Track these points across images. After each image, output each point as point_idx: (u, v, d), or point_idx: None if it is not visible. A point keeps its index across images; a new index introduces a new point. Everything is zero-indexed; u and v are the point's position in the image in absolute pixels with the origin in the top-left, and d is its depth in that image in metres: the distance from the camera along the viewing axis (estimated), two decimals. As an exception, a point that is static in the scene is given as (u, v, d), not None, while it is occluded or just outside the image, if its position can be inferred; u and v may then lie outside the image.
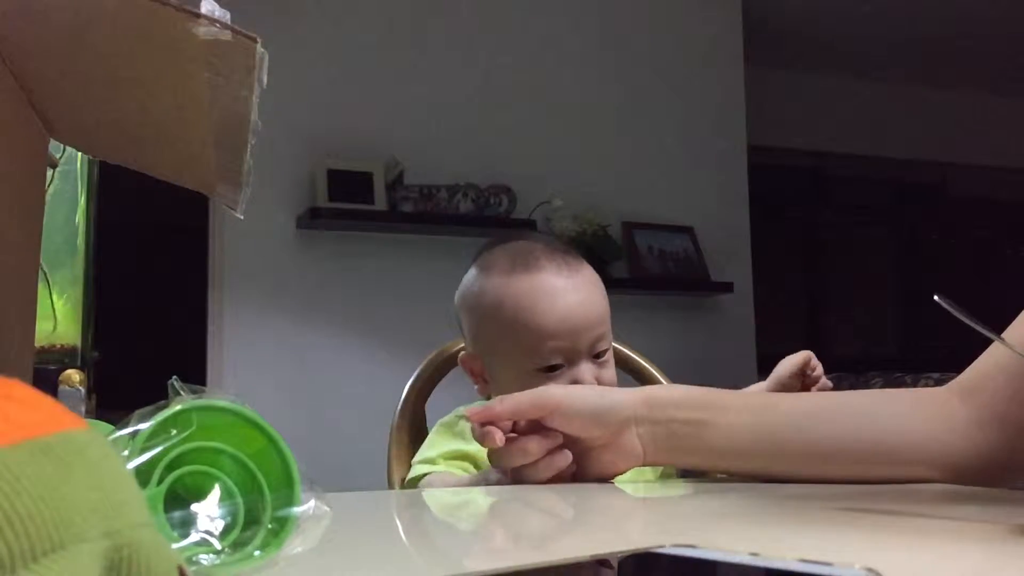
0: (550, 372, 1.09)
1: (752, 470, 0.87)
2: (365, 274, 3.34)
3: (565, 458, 0.84)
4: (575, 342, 1.10)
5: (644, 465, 0.89)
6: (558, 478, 0.84)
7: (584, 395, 0.88)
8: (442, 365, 1.34)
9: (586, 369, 1.10)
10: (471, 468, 1.08)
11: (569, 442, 0.85)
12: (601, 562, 0.43)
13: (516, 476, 0.85)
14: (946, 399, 0.85)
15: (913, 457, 0.83)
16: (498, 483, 0.88)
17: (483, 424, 0.84)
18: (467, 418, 0.88)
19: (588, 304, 1.13)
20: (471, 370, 1.18)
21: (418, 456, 1.12)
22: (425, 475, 1.07)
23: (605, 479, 0.87)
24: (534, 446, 0.83)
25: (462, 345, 1.36)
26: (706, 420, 0.88)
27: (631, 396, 0.88)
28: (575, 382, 1.08)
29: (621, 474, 0.88)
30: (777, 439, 0.85)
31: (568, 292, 1.12)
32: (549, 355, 1.09)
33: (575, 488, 0.83)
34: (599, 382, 1.10)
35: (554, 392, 0.86)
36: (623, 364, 1.36)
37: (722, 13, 4.02)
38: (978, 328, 0.59)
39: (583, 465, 0.86)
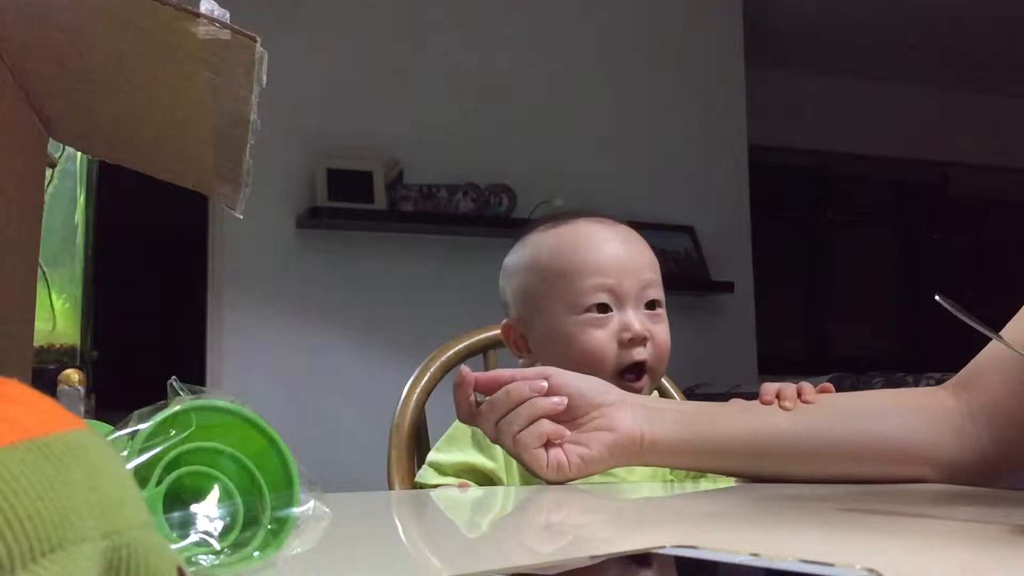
0: (598, 314, 1.03)
1: (748, 470, 0.87)
2: (365, 274, 3.34)
3: (556, 426, 0.83)
4: (620, 280, 1.04)
5: (641, 461, 0.89)
6: (559, 467, 0.82)
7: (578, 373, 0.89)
8: (443, 365, 1.34)
9: (635, 316, 1.04)
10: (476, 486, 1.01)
11: (567, 419, 0.84)
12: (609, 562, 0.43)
13: (508, 444, 0.83)
14: (938, 395, 0.86)
15: (903, 453, 0.83)
16: None
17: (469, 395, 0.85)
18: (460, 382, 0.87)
19: (632, 248, 1.09)
20: (512, 339, 1.12)
21: (433, 455, 1.07)
22: (434, 486, 1.02)
23: (603, 464, 0.85)
24: (523, 410, 0.82)
25: (463, 344, 1.36)
26: (702, 413, 0.89)
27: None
28: (625, 329, 1.03)
29: (618, 464, 0.87)
30: (773, 438, 0.85)
31: (610, 236, 1.09)
32: (594, 292, 1.03)
33: (574, 489, 0.83)
34: (652, 337, 1.04)
35: (548, 366, 0.88)
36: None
37: (722, 13, 4.02)
38: (978, 327, 0.59)
39: (579, 443, 0.84)
